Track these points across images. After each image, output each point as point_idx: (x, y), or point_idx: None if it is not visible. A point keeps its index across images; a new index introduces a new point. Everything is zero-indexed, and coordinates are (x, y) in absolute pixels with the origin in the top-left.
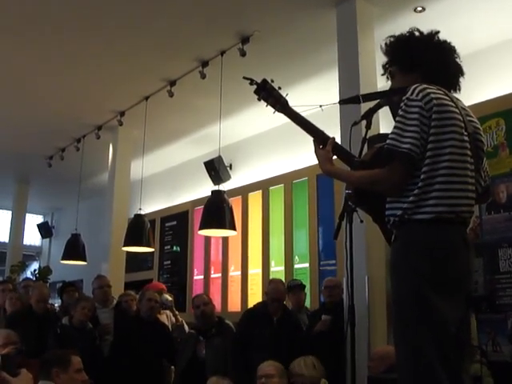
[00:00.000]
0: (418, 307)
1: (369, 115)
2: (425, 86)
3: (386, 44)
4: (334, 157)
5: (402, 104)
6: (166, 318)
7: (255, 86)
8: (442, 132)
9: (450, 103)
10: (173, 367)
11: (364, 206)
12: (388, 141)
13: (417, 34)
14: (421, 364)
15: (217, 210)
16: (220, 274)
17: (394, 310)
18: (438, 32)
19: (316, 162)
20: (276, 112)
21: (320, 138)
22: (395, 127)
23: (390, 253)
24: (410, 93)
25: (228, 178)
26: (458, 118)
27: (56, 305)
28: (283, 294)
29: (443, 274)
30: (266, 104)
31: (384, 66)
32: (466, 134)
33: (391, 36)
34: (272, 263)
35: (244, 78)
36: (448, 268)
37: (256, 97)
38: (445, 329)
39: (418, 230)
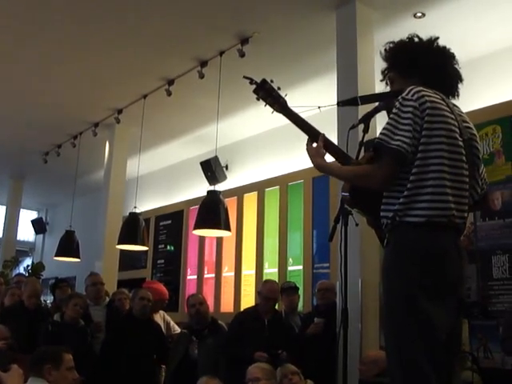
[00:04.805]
0: (408, 311)
1: (366, 119)
2: (421, 88)
3: (385, 50)
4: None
5: (396, 103)
6: (159, 317)
7: (254, 86)
8: (432, 135)
9: (445, 108)
10: (164, 366)
11: (359, 209)
12: (379, 136)
13: (416, 39)
14: (411, 368)
15: (212, 210)
16: (213, 275)
17: (384, 314)
18: (437, 38)
19: (312, 164)
20: (274, 112)
21: (314, 136)
22: (388, 124)
23: (383, 256)
24: (405, 93)
25: (224, 178)
26: (452, 123)
27: (48, 301)
28: (278, 294)
29: (434, 278)
30: (264, 104)
31: (383, 72)
32: (460, 139)
33: (391, 42)
34: (266, 265)
35: (244, 77)
36: (439, 273)
37: (254, 98)
38: (434, 334)
39: (410, 233)
